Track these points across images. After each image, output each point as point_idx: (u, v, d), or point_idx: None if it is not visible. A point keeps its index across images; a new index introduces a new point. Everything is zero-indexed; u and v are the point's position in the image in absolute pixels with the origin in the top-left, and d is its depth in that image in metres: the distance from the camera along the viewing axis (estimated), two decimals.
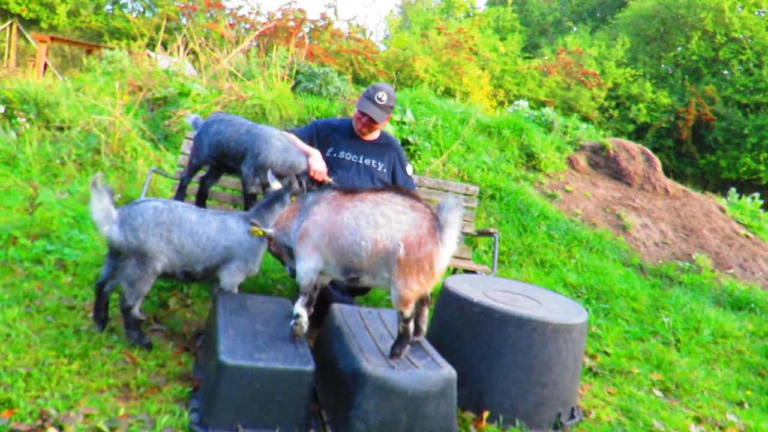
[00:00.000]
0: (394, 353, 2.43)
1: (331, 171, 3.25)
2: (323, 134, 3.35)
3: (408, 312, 2.38)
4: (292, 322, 2.49)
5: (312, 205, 2.59)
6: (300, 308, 2.51)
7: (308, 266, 2.52)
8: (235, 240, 2.79)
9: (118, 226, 2.61)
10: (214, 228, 2.77)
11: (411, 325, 2.45)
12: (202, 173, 3.70)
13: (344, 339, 2.55)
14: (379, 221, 2.37)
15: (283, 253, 2.72)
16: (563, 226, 5.94)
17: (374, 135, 3.38)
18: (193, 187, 3.95)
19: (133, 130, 5.61)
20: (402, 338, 2.45)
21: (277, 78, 6.80)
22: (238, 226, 2.81)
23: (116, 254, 2.66)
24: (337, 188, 2.65)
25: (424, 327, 2.63)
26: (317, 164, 3.08)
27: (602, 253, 5.80)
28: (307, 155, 3.10)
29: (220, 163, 3.39)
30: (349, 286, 2.95)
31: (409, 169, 3.50)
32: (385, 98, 3.18)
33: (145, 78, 7.07)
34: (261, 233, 2.66)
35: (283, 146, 3.12)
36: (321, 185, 2.97)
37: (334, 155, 3.30)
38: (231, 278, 2.83)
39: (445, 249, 2.32)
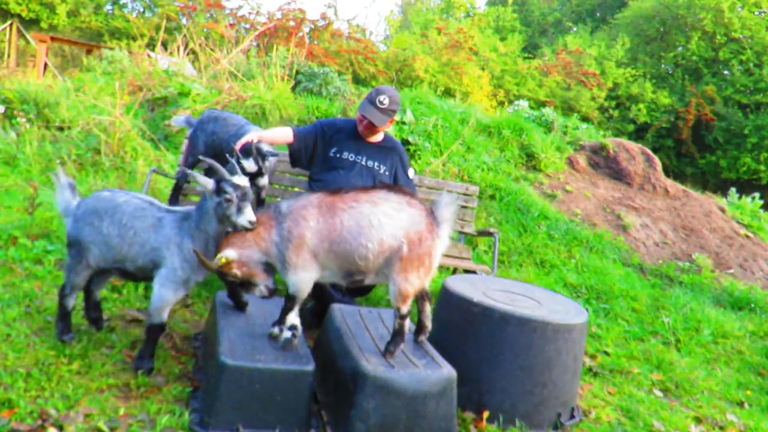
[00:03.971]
0: (388, 351, 2.43)
1: (333, 170, 3.25)
2: (327, 134, 3.36)
3: (405, 308, 2.39)
4: (290, 333, 2.42)
5: (298, 211, 2.38)
6: (296, 318, 2.45)
7: (308, 276, 2.39)
8: (164, 242, 2.42)
9: (71, 218, 2.61)
10: (146, 224, 2.46)
11: (407, 323, 2.46)
12: (201, 171, 3.72)
13: (344, 339, 2.55)
14: (382, 221, 2.35)
15: (257, 272, 2.38)
16: (563, 226, 5.94)
17: (378, 137, 3.38)
18: (194, 187, 3.96)
19: (133, 130, 5.61)
20: (397, 335, 2.44)
21: (277, 78, 6.80)
22: (172, 226, 2.44)
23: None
24: (321, 191, 2.53)
25: (429, 324, 2.61)
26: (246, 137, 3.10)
27: (602, 253, 5.80)
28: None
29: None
30: (349, 287, 2.94)
31: (411, 173, 3.50)
32: (387, 102, 3.18)
33: (145, 78, 7.08)
34: (225, 261, 2.31)
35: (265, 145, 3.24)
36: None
37: (337, 155, 3.30)
38: (159, 289, 2.42)
39: (442, 244, 2.41)
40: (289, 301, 2.43)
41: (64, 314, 2.69)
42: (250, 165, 2.98)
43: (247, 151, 3.00)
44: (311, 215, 2.37)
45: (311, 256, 2.37)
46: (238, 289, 2.62)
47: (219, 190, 2.32)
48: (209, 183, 2.34)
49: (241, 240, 2.38)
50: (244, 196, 2.32)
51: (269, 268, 2.43)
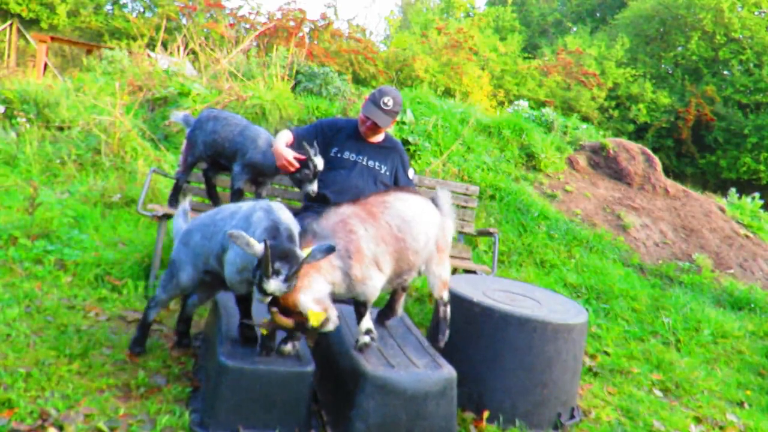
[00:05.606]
0: (437, 340, 2.60)
1: (333, 170, 3.25)
2: (328, 134, 3.36)
3: (447, 295, 2.60)
4: (368, 338, 2.39)
5: (341, 227, 2.30)
6: (370, 323, 2.43)
7: (376, 282, 2.33)
8: (234, 226, 2.32)
9: (177, 241, 2.68)
10: (225, 214, 2.45)
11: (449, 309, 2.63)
12: (198, 171, 3.73)
13: (344, 339, 2.55)
14: (416, 215, 2.45)
15: (329, 305, 2.20)
16: (563, 226, 5.94)
17: (378, 137, 3.39)
18: (193, 186, 3.97)
19: (133, 130, 5.61)
20: (443, 323, 2.60)
21: (277, 78, 6.80)
22: (247, 212, 2.32)
23: None
24: (342, 205, 2.47)
25: (400, 311, 2.81)
26: (280, 160, 3.12)
27: (602, 253, 5.80)
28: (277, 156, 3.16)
29: (214, 161, 3.46)
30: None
31: (411, 173, 3.50)
32: (390, 103, 3.19)
33: (145, 78, 7.07)
34: (318, 315, 2.12)
35: (265, 148, 3.26)
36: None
37: (338, 155, 3.30)
38: (226, 270, 2.33)
39: (450, 235, 2.65)
40: (362, 307, 2.39)
41: (142, 324, 2.75)
42: (320, 161, 3.04)
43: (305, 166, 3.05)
44: (356, 225, 2.32)
45: (375, 263, 2.33)
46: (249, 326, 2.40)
47: (254, 274, 2.09)
48: (254, 256, 2.06)
49: (308, 280, 2.18)
50: (265, 298, 2.08)
51: (332, 296, 2.29)
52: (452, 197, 4.01)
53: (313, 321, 2.12)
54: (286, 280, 2.04)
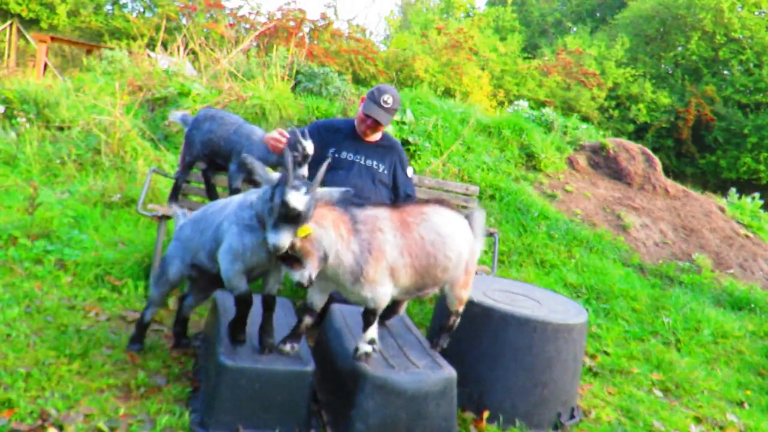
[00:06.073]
0: (437, 344, 2.63)
1: (332, 170, 3.25)
2: (325, 134, 3.35)
3: (462, 308, 2.60)
4: (370, 348, 2.35)
5: (373, 222, 2.27)
6: (375, 333, 2.37)
7: (387, 290, 2.28)
8: (226, 216, 2.33)
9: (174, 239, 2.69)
10: (215, 207, 2.46)
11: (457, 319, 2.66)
12: (198, 171, 3.73)
13: (344, 339, 2.55)
14: (454, 232, 2.41)
15: (314, 256, 2.12)
16: (563, 226, 5.94)
17: (376, 136, 3.38)
18: (193, 186, 3.96)
19: (133, 130, 5.61)
20: (448, 331, 2.65)
21: (277, 78, 6.80)
22: (238, 202, 2.33)
23: None
24: (380, 204, 2.48)
25: (402, 310, 2.83)
26: (267, 141, 3.09)
27: (602, 253, 5.80)
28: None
29: (211, 160, 3.47)
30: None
31: (410, 171, 3.50)
32: (390, 101, 3.19)
33: (145, 78, 7.07)
34: (308, 232, 2.07)
35: (261, 146, 3.24)
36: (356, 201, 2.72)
37: (336, 155, 3.30)
38: (221, 263, 2.30)
39: (477, 257, 2.62)
40: (371, 315, 2.32)
41: (139, 323, 2.77)
42: (309, 145, 2.87)
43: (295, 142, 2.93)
44: (387, 228, 2.27)
45: (389, 271, 2.27)
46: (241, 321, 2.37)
47: (271, 195, 2.03)
48: (271, 180, 2.05)
49: (321, 218, 2.15)
50: (287, 217, 1.98)
51: (323, 262, 2.17)
52: (452, 197, 4.04)
53: (300, 232, 2.04)
54: (307, 193, 1.97)
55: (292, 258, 2.11)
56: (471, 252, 2.50)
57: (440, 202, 2.55)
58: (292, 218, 1.97)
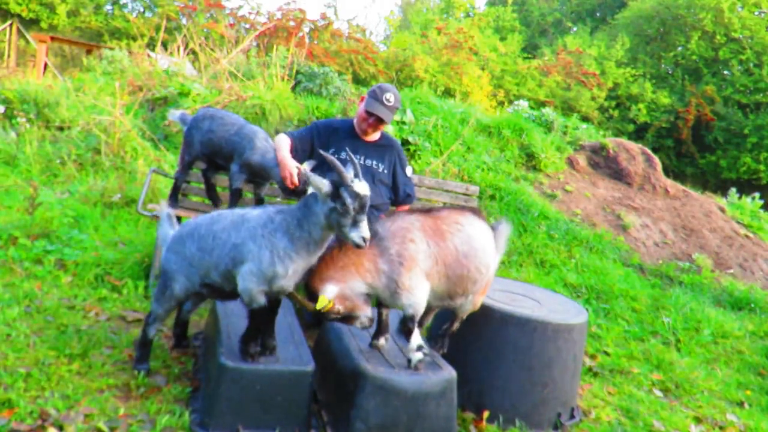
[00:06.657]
0: (441, 347, 2.69)
1: (331, 171, 3.24)
2: (324, 135, 3.35)
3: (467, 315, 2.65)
4: (421, 354, 2.36)
5: (402, 234, 2.28)
6: (420, 338, 2.38)
7: (423, 294, 2.31)
8: (248, 236, 2.23)
9: (165, 248, 2.59)
10: (224, 224, 2.33)
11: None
12: (198, 171, 3.73)
13: (344, 339, 2.55)
14: (485, 245, 2.44)
15: (359, 304, 2.22)
16: (563, 226, 5.94)
17: (375, 136, 3.37)
18: (193, 186, 3.96)
19: (133, 130, 5.61)
20: (451, 335, 2.71)
21: (277, 78, 6.80)
22: (258, 220, 2.24)
23: None
24: (418, 211, 2.46)
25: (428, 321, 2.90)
26: (284, 171, 3.11)
27: (602, 253, 5.80)
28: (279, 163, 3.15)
29: (211, 160, 3.47)
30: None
31: (409, 170, 3.50)
32: (392, 99, 3.19)
33: (145, 78, 7.07)
34: (327, 303, 2.15)
35: (264, 149, 3.26)
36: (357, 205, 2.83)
37: (335, 155, 3.30)
38: (242, 283, 2.22)
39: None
40: (410, 322, 2.33)
41: (143, 342, 2.58)
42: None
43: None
44: (419, 238, 2.30)
45: (424, 277, 2.30)
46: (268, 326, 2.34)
47: (335, 195, 2.03)
48: (324, 185, 2.04)
49: (342, 273, 2.21)
50: (362, 207, 2.02)
51: (368, 298, 2.29)
52: (452, 197, 4.04)
53: (318, 304, 2.16)
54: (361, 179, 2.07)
55: (348, 317, 2.26)
56: (494, 264, 2.56)
57: (474, 211, 2.54)
58: (364, 207, 2.04)
